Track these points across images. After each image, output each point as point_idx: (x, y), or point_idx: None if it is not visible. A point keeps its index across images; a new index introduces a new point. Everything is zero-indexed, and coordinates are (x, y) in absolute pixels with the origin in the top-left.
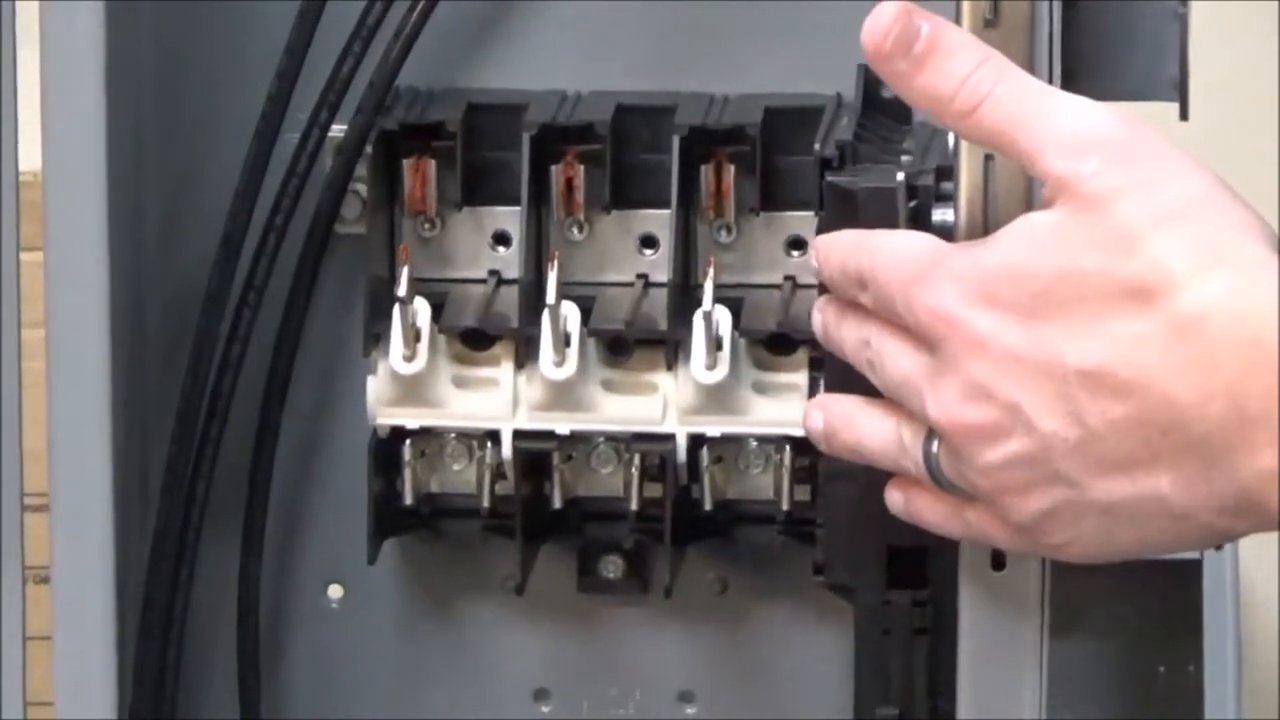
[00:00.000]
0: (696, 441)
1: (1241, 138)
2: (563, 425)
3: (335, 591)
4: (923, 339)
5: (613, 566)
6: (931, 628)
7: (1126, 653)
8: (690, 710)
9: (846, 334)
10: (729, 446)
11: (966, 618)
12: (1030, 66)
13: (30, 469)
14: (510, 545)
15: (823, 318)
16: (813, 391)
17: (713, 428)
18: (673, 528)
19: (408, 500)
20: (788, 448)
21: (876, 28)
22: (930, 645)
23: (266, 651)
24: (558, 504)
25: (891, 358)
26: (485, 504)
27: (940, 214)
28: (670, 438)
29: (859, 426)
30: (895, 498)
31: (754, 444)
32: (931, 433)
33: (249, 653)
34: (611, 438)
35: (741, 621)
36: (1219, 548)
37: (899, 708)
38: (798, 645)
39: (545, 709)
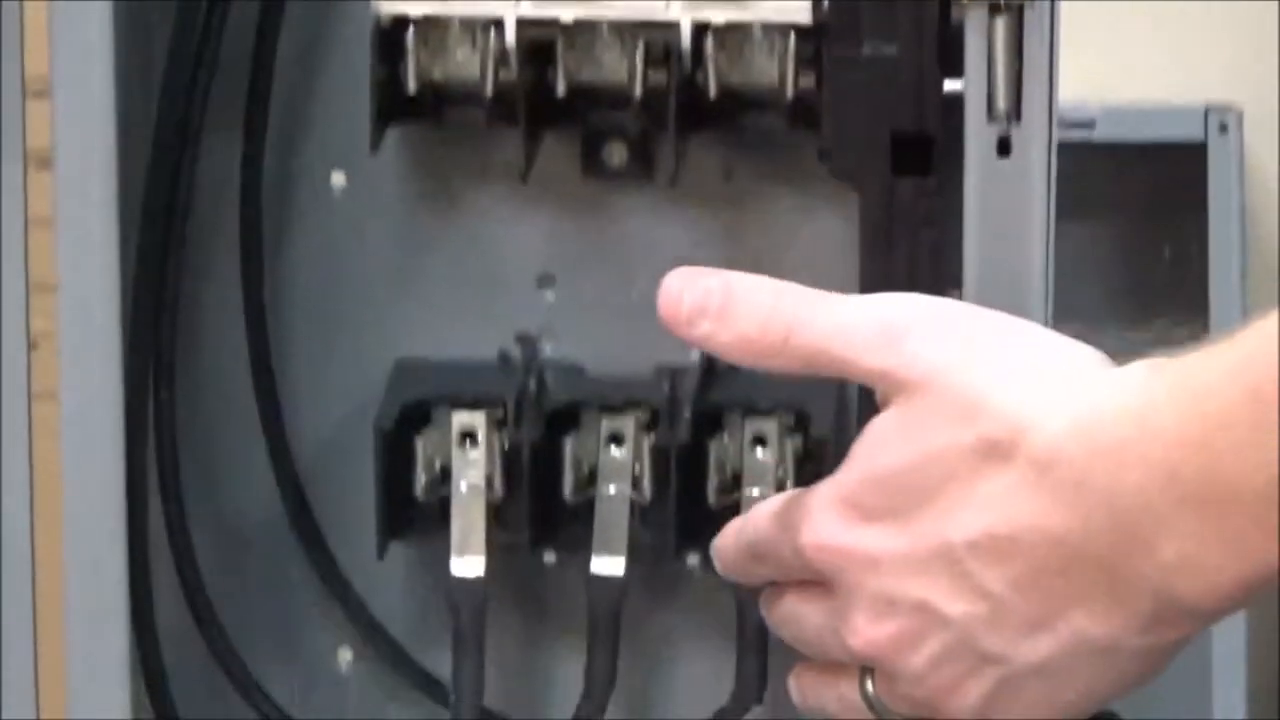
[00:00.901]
0: (701, 29)
1: None
2: (566, 12)
3: (338, 179)
4: (821, 582)
5: (617, 153)
6: (938, 219)
7: (1132, 234)
8: None
9: (774, 619)
10: (734, 34)
11: (973, 202)
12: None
13: (31, 51)
14: (514, 133)
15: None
16: None
17: (717, 14)
18: (677, 114)
19: (410, 88)
20: (792, 35)
21: (669, 299)
22: (936, 236)
23: (269, 238)
24: (561, 91)
25: (806, 618)
26: (488, 91)
27: None
28: (675, 25)
29: (819, 692)
30: None
31: (759, 32)
32: (864, 674)
33: (252, 239)
34: (616, 24)
35: (747, 208)
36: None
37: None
38: (804, 232)
39: (549, 295)
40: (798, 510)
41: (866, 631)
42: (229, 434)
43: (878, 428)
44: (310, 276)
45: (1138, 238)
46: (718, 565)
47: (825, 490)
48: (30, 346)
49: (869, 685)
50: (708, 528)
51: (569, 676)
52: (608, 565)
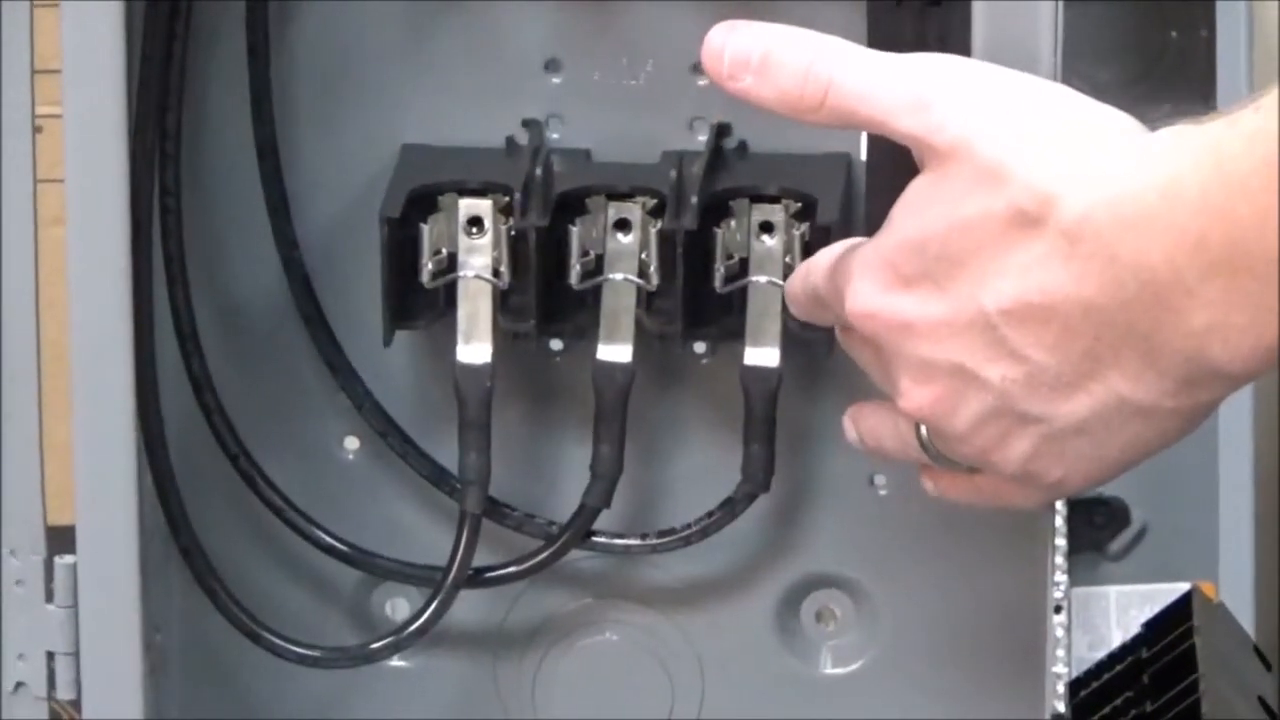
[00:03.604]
0: None
1: None
2: None
3: None
4: (869, 340)
5: None
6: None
7: (1138, 18)
8: (701, 82)
9: (848, 350)
10: None
11: None
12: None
13: None
14: None
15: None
16: None
17: None
18: None
19: None
20: None
21: (711, 53)
22: (942, 17)
23: (275, 20)
24: None
25: (867, 365)
26: None
27: None
28: None
29: (877, 433)
30: (927, 485)
31: None
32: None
33: (257, 22)
34: None
35: None
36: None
37: None
38: (818, 15)
39: (556, 79)
40: (842, 270)
41: (911, 394)
42: (234, 221)
43: (915, 192)
44: (316, 61)
45: (1144, 22)
46: (792, 309)
47: (867, 253)
48: (35, 130)
49: (923, 430)
50: (714, 314)
51: (575, 464)
52: (614, 352)
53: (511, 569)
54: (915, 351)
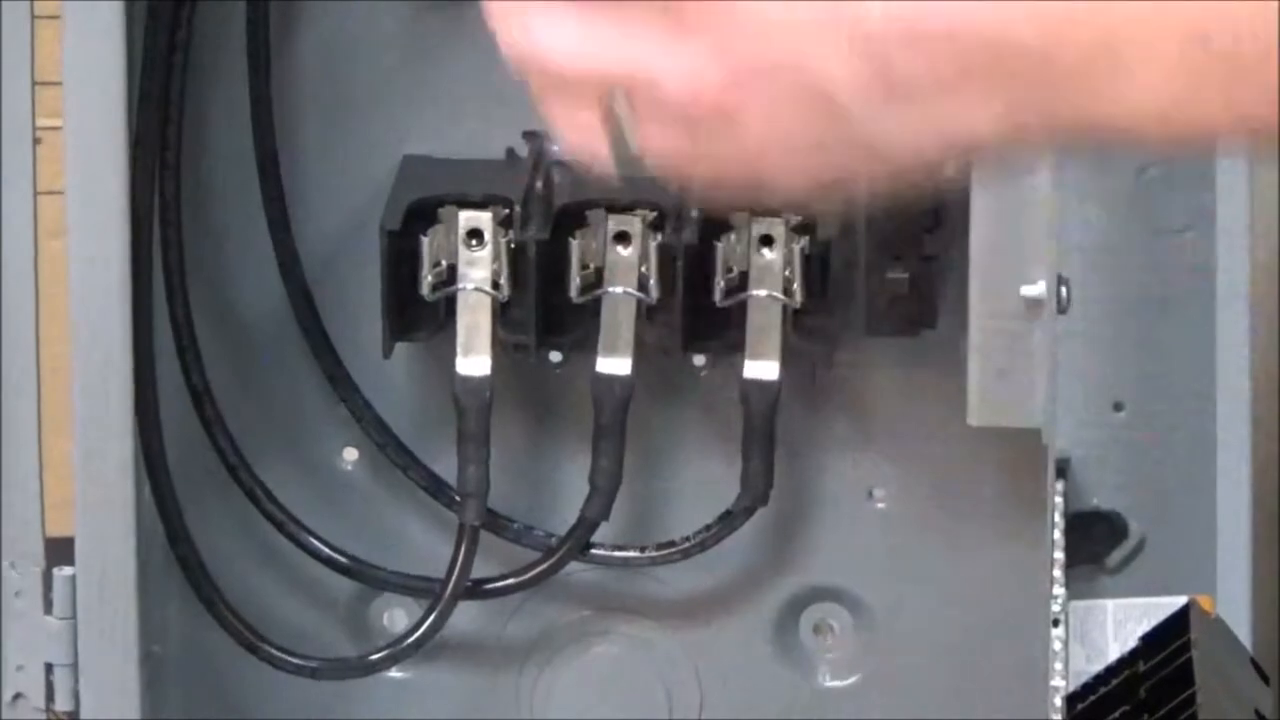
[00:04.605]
0: None
1: None
2: None
3: None
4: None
5: None
6: None
7: None
8: None
9: None
10: None
11: None
12: None
13: None
14: None
15: None
16: None
17: None
18: None
19: None
20: None
21: None
22: None
23: (276, 31)
24: None
25: None
26: None
27: None
28: None
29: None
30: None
31: None
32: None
33: (258, 33)
34: None
35: None
36: None
37: None
38: None
39: None
40: None
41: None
42: (234, 233)
43: None
44: (316, 73)
45: None
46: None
47: None
48: (35, 142)
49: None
50: (713, 328)
51: (575, 477)
52: (613, 365)
53: (510, 581)
54: None
